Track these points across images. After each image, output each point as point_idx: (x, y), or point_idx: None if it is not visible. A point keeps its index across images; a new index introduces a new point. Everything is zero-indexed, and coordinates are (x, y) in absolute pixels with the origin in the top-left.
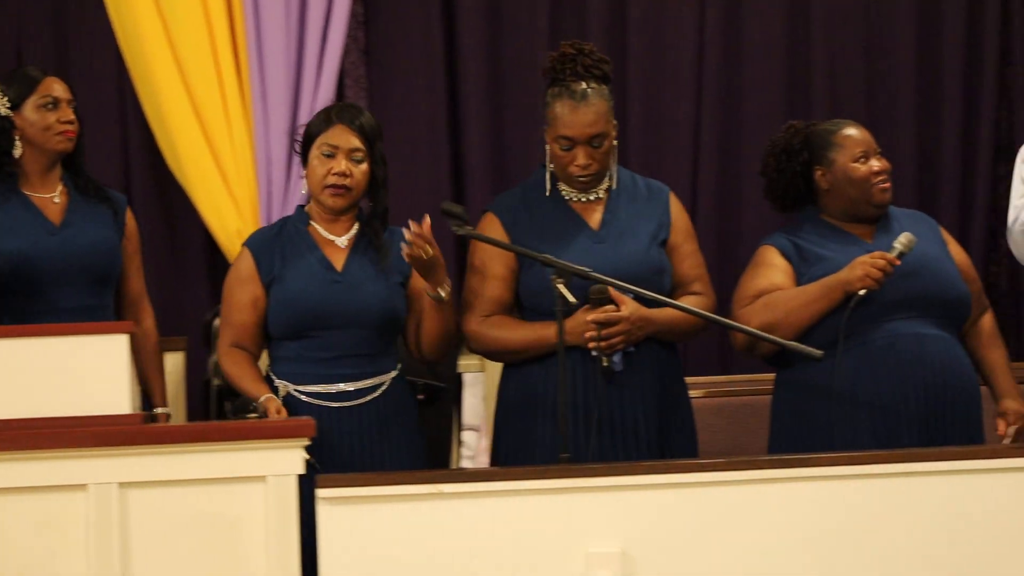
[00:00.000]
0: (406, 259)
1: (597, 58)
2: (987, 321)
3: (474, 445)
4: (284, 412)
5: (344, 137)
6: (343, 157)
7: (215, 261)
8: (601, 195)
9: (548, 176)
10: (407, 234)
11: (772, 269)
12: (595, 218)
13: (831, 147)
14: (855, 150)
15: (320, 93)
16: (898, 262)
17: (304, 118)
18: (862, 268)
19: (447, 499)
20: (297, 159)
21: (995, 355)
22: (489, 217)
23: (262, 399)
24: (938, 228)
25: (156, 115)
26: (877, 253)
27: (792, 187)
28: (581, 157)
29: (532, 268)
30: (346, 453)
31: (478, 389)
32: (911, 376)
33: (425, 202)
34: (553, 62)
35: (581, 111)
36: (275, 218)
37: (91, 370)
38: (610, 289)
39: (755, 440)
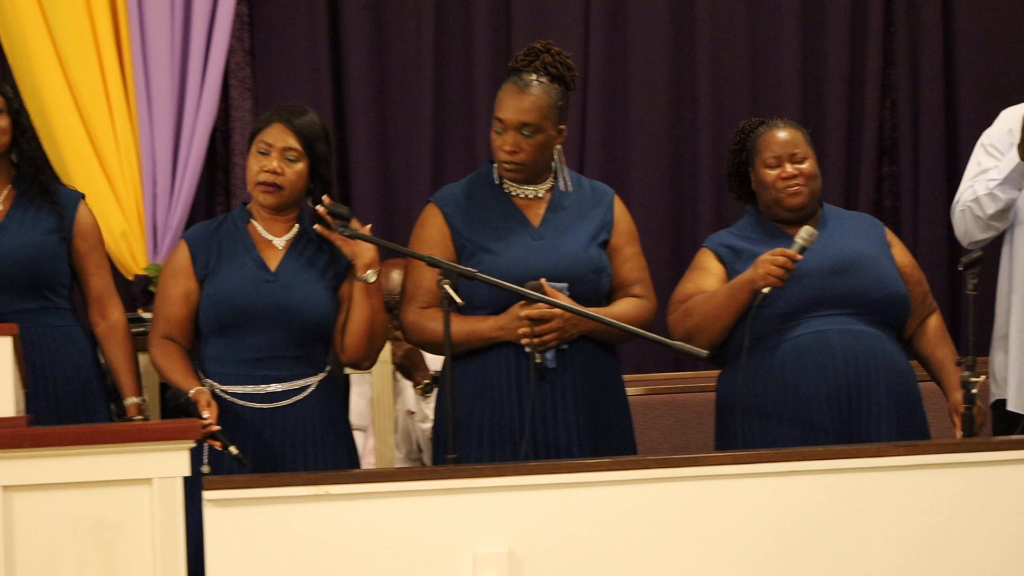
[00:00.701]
0: (321, 232)
1: (559, 59)
2: (933, 321)
3: (360, 446)
4: (215, 406)
5: (279, 135)
6: (276, 155)
7: None
8: (542, 194)
9: (495, 168)
10: (319, 209)
11: (702, 273)
12: (537, 216)
13: (754, 149)
14: (767, 154)
15: (205, 95)
16: (799, 257)
17: (189, 120)
18: (763, 266)
19: (334, 500)
20: (182, 161)
21: (941, 353)
22: (431, 208)
23: (192, 392)
24: (883, 230)
25: (40, 116)
26: (778, 250)
27: (737, 184)
28: (508, 142)
29: (469, 262)
30: (273, 455)
31: (364, 389)
32: (833, 370)
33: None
34: (519, 55)
35: (519, 96)
36: (160, 220)
37: None
38: (545, 285)
39: (701, 437)
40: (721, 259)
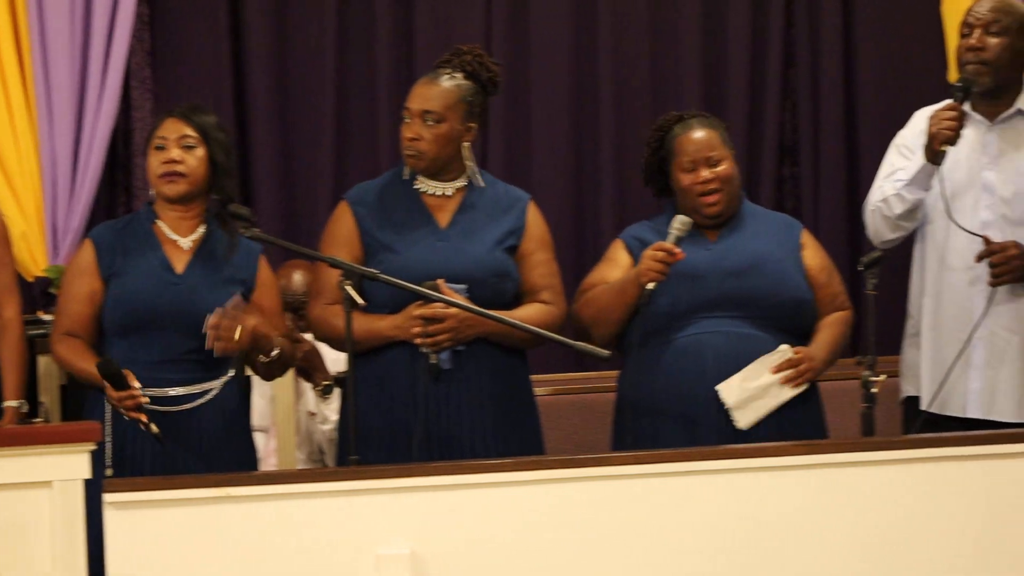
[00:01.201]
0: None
1: (480, 60)
2: (836, 314)
3: (262, 447)
4: (138, 384)
5: (173, 127)
6: (173, 145)
7: None
8: (452, 192)
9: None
10: (207, 325)
11: (609, 264)
12: (445, 216)
13: (671, 150)
14: (684, 159)
15: (106, 95)
16: (677, 249)
17: (89, 120)
18: (644, 261)
19: (236, 502)
20: (83, 161)
21: (821, 333)
22: (342, 206)
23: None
24: (799, 232)
25: None
26: (656, 244)
27: (656, 179)
28: (410, 129)
29: (372, 261)
30: (174, 459)
31: (265, 390)
32: (712, 372)
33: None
34: (444, 56)
35: (426, 86)
36: (60, 221)
37: None
38: (443, 286)
39: (606, 437)
40: (631, 251)
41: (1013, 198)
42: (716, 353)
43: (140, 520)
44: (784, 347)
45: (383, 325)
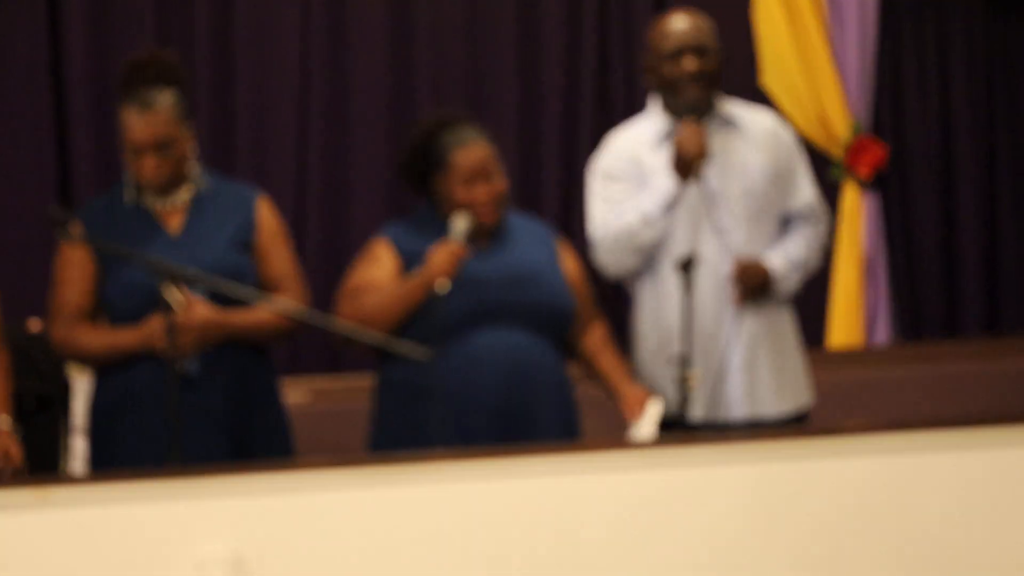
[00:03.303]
0: None
1: (163, 62)
2: (598, 330)
3: (84, 451)
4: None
5: None
6: None
7: None
8: (179, 202)
9: (132, 183)
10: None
11: (374, 264)
12: (176, 224)
13: (443, 161)
14: (459, 174)
15: None
16: (462, 249)
17: None
18: (438, 262)
19: (54, 507)
20: None
21: (606, 360)
22: (74, 224)
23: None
24: (555, 238)
25: None
26: (442, 243)
27: (413, 180)
28: (149, 164)
29: (111, 274)
30: None
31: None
32: (493, 384)
33: (29, 205)
34: (126, 72)
35: (144, 116)
36: None
37: None
38: (182, 292)
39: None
40: (397, 248)
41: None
42: (499, 363)
43: None
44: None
45: (126, 338)
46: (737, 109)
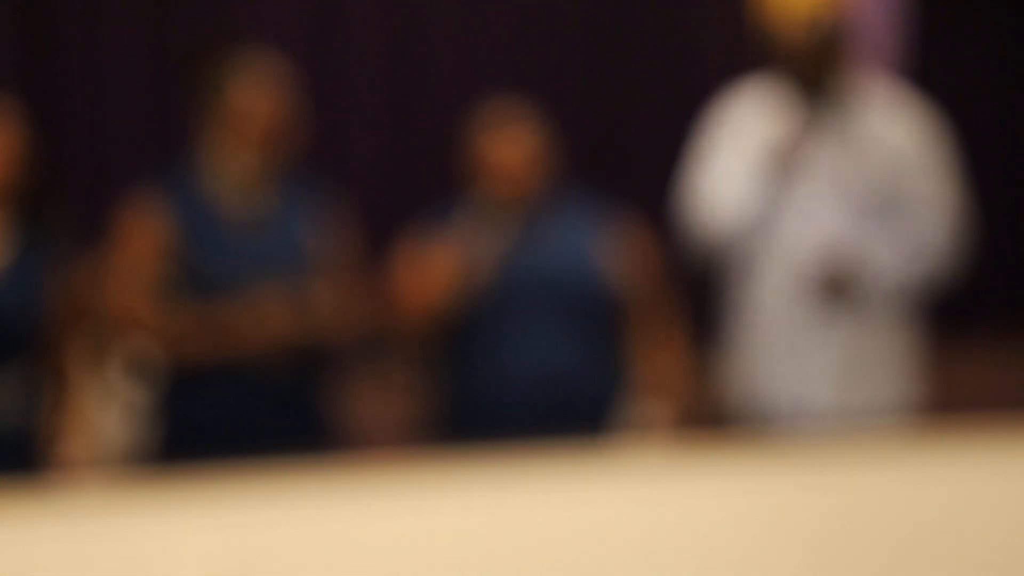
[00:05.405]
0: None
1: None
2: (658, 329)
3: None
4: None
5: None
6: None
7: None
8: (256, 197)
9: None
10: None
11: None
12: (249, 218)
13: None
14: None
15: None
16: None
17: None
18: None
19: (50, 507)
20: None
21: (653, 364)
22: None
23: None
24: (602, 223)
25: None
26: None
27: None
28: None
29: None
30: None
31: None
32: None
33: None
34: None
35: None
36: None
37: None
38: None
39: None
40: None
41: None
42: (527, 386)
43: None
44: None
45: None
46: (870, 101)
